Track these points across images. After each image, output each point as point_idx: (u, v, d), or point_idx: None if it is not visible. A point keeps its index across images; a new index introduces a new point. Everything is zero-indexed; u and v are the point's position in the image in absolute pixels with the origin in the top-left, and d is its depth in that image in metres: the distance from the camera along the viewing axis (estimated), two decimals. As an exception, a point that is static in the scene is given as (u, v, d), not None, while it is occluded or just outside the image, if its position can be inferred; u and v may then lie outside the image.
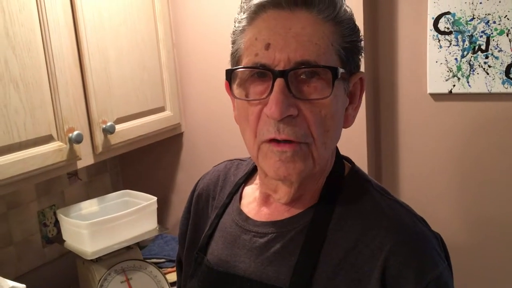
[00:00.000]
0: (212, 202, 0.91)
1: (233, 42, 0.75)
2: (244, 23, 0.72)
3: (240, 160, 0.95)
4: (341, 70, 0.69)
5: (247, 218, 0.81)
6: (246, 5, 0.72)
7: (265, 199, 0.81)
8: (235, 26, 0.74)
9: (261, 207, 0.81)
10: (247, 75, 0.70)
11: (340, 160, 0.80)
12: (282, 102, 0.66)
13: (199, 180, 0.97)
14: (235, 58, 0.74)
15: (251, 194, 0.85)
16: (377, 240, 0.70)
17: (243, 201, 0.85)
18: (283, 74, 0.66)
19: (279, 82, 0.66)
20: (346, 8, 0.72)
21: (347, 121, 0.75)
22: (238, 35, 0.73)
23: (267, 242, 0.76)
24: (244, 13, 0.72)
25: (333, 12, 0.69)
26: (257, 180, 0.86)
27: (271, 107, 0.66)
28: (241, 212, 0.82)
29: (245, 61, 0.71)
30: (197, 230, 0.91)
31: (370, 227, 0.71)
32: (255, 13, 0.70)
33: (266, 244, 0.76)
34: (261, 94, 0.69)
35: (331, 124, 0.70)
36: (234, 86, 0.72)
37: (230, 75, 0.72)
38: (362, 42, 0.75)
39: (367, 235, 0.71)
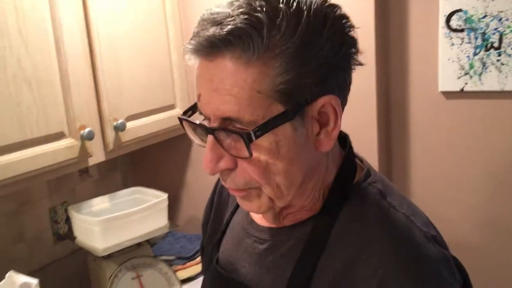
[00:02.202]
0: None
1: None
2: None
3: None
4: (256, 133, 0.60)
5: (251, 221, 0.80)
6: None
7: None
8: None
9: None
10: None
11: (350, 165, 0.74)
12: (211, 160, 0.65)
13: None
14: None
15: None
16: (375, 258, 0.65)
17: None
18: (210, 130, 0.63)
19: (209, 138, 0.64)
20: (292, 17, 0.59)
21: (321, 146, 0.66)
22: None
23: (266, 249, 0.75)
24: None
25: (262, 43, 0.58)
26: None
27: (203, 162, 0.65)
28: (248, 214, 0.82)
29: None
30: (217, 221, 0.91)
31: (370, 243, 0.66)
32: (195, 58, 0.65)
33: (265, 251, 0.75)
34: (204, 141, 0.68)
35: (280, 166, 0.64)
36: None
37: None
38: (350, 50, 0.65)
39: (366, 252, 0.66)
